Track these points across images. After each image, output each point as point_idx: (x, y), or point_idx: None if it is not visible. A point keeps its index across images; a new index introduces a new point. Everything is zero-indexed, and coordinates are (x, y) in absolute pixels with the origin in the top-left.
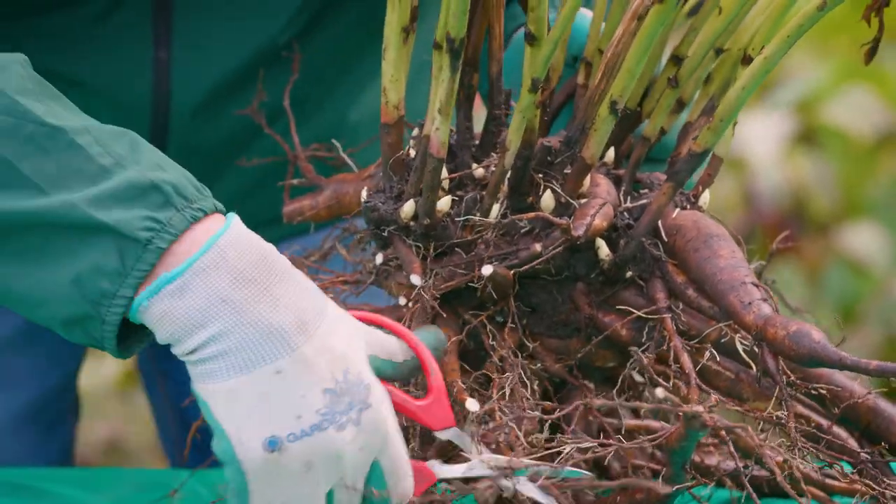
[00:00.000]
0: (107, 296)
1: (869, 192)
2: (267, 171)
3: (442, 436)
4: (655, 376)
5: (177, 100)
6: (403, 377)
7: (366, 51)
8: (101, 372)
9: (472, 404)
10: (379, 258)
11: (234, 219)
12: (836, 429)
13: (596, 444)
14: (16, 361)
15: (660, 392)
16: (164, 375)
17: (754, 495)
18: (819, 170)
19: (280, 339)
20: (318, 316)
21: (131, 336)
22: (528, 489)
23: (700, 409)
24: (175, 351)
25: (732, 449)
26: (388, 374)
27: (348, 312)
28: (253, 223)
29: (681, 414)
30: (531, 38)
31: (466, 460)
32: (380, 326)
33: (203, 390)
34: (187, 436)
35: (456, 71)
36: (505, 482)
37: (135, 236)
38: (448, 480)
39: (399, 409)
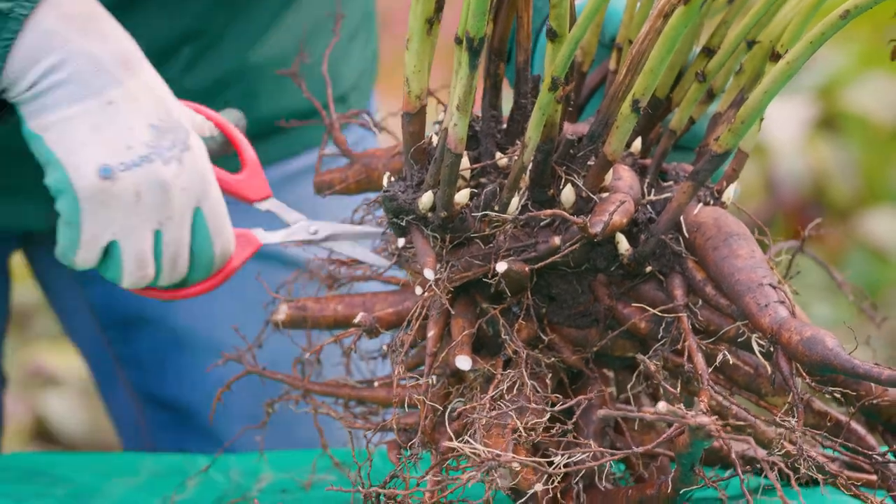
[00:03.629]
0: None
1: (890, 178)
2: None
3: (261, 206)
4: (663, 383)
5: None
6: (213, 152)
7: None
8: None
9: (462, 362)
10: (401, 241)
11: None
12: (854, 426)
13: (591, 452)
14: None
15: (661, 406)
16: (120, 362)
17: (742, 478)
18: (840, 156)
19: (108, 73)
20: (140, 60)
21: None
22: (355, 252)
23: (705, 420)
24: (12, 94)
25: (735, 459)
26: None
27: None
28: None
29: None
30: (552, 35)
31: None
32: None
33: (36, 126)
34: (143, 423)
35: (474, 69)
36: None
37: None
38: (271, 244)
39: (218, 183)
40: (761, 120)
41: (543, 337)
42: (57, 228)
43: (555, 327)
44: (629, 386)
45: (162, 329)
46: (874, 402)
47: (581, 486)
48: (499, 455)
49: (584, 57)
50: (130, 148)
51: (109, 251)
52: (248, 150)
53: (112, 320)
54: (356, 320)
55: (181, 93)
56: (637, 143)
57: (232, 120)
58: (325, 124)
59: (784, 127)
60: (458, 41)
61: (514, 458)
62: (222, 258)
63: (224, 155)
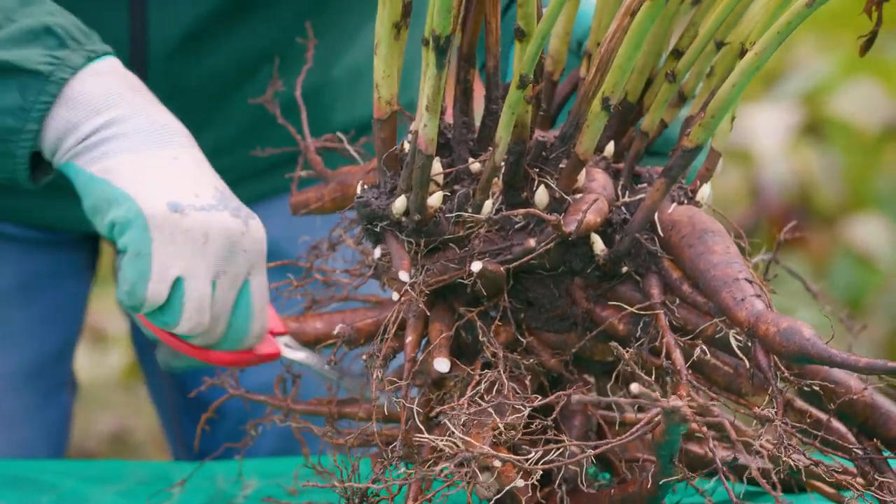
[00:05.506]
0: (13, 132)
1: (875, 184)
2: (251, 124)
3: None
4: (639, 372)
5: (154, 38)
6: None
7: (349, 3)
8: (106, 364)
9: (441, 364)
10: (377, 252)
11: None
12: (835, 423)
13: (568, 447)
14: (13, 318)
15: (634, 387)
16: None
17: (727, 484)
18: (825, 162)
19: (173, 134)
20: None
21: (44, 168)
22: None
23: (678, 403)
24: (69, 142)
25: (711, 445)
26: None
27: None
28: (235, 175)
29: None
30: (520, 34)
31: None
32: None
33: (99, 169)
34: (189, 424)
35: (442, 68)
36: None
37: (36, 69)
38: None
39: None
40: (733, 118)
41: (522, 340)
42: (121, 268)
43: (533, 332)
44: (608, 386)
45: None
46: (850, 400)
47: (564, 489)
48: (472, 445)
49: (555, 66)
50: (199, 196)
51: (173, 290)
52: None
53: None
54: (335, 331)
55: (264, 108)
56: (610, 147)
57: None
58: (301, 147)
59: (769, 133)
60: (426, 42)
61: (488, 450)
62: (255, 339)
63: None
